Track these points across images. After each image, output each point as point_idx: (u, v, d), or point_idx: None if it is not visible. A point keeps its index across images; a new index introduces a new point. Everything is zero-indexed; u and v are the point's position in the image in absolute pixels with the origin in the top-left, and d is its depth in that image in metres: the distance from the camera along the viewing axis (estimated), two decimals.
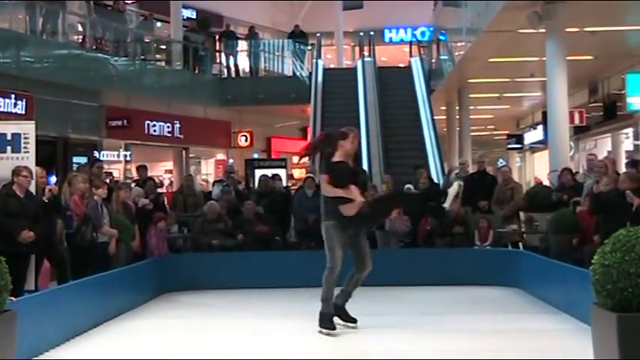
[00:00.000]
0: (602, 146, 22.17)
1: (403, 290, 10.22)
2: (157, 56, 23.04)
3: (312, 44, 24.48)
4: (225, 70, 24.53)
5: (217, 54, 24.66)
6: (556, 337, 7.47)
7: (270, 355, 7.01)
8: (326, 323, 7.77)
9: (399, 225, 12.19)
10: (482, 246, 11.88)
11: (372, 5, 30.41)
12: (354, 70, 23.25)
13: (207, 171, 25.73)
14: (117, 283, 9.15)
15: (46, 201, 8.99)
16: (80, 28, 19.75)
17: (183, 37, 23.22)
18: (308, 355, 6.92)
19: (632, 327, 4.67)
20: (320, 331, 7.71)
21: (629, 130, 20.30)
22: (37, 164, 9.25)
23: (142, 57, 21.35)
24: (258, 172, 18.50)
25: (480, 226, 12.03)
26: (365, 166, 17.21)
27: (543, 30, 14.66)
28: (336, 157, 7.86)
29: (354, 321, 7.99)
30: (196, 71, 23.34)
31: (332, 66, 28.39)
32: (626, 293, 4.74)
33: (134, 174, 17.99)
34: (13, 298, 5.73)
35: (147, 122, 20.73)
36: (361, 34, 27.13)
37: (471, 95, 23.71)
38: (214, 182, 17.21)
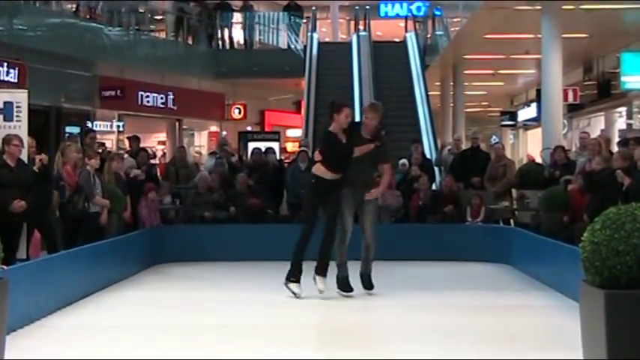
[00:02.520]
0: (596, 125, 22.18)
1: (394, 265, 10.25)
2: (152, 27, 22.91)
3: (307, 17, 24.37)
4: (220, 42, 24.43)
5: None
6: (545, 314, 7.53)
7: (261, 326, 7.04)
8: (342, 286, 8.31)
9: (391, 200, 12.19)
10: (474, 222, 11.91)
11: None
12: (349, 44, 23.15)
13: (201, 143, 25.70)
14: (108, 253, 9.17)
15: (37, 171, 8.97)
16: None
17: (178, 8, 23.07)
18: (298, 328, 6.97)
19: (620, 304, 4.70)
20: (339, 293, 8.25)
21: (623, 109, 20.30)
22: (29, 134, 9.21)
23: (136, 27, 21.23)
24: (252, 145, 18.49)
25: (472, 203, 12.06)
26: None
27: (539, 7, 14.61)
28: (333, 129, 8.19)
29: (372, 288, 8.46)
30: (190, 42, 23.26)
31: (327, 40, 28.25)
32: (615, 270, 4.76)
33: (127, 145, 17.97)
34: (4, 266, 5.74)
35: (140, 93, 20.65)
36: (357, 8, 27.00)
37: (466, 71, 23.63)
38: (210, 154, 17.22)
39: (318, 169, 8.23)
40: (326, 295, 8.23)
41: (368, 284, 8.45)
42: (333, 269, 8.39)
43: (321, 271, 8.22)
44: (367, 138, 8.35)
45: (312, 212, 8.40)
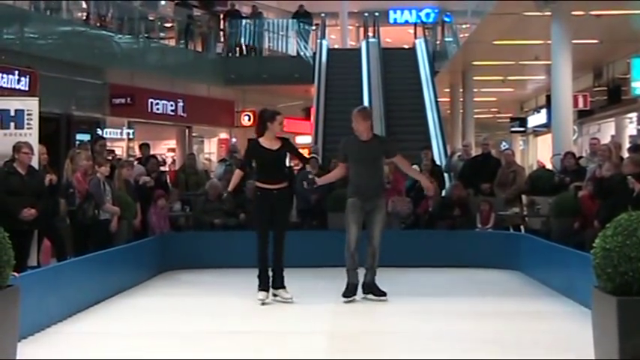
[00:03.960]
0: (606, 130, 22.15)
1: (404, 271, 10.24)
2: (161, 34, 23.01)
3: (317, 24, 24.42)
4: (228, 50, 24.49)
5: (221, 33, 24.62)
6: (556, 320, 7.49)
7: (271, 333, 7.04)
8: (345, 292, 8.31)
9: (401, 206, 12.18)
10: (484, 228, 11.87)
11: None
12: (359, 50, 23.19)
13: (210, 150, 25.74)
14: (118, 260, 9.18)
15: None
16: (84, 5, 19.69)
17: (187, 15, 23.16)
18: (308, 334, 6.97)
19: (632, 310, 4.69)
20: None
21: (633, 115, 20.28)
22: (40, 141, 9.25)
23: (146, 35, 21.31)
24: None
25: (482, 209, 12.01)
26: None
27: (549, 13, 14.61)
28: (263, 142, 8.44)
29: (384, 294, 8.39)
30: (200, 50, 23.32)
31: (336, 46, 28.29)
32: (627, 277, 4.75)
33: (137, 152, 18.02)
34: (15, 273, 5.76)
35: (150, 100, 20.73)
36: (366, 14, 27.04)
37: (475, 78, 23.66)
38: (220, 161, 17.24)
39: (259, 181, 8.42)
40: (336, 303, 8.23)
41: (378, 292, 8.42)
42: (343, 276, 8.42)
43: (280, 284, 8.41)
44: (364, 141, 8.35)
45: (260, 225, 8.44)
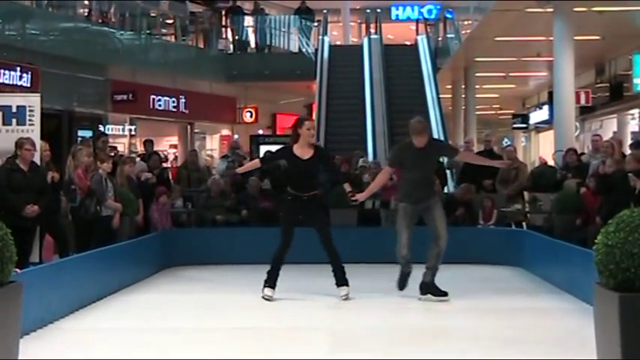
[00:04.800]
0: (608, 127, 22.11)
1: None
2: (163, 31, 23.00)
3: (319, 20, 24.40)
4: (231, 46, 24.48)
5: (223, 29, 24.61)
6: (558, 316, 7.50)
7: (273, 329, 7.05)
8: (397, 282, 8.35)
9: None
10: (486, 225, 11.87)
11: None
12: (361, 47, 23.17)
13: (212, 146, 25.72)
14: (120, 256, 9.18)
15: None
16: (86, 2, 19.69)
17: (189, 12, 23.15)
18: (308, 332, 6.98)
19: (635, 307, 4.68)
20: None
21: (635, 111, 20.24)
22: (42, 137, 9.25)
23: (148, 31, 21.30)
24: (263, 148, 18.49)
25: (484, 206, 12.01)
26: (370, 145, 17.20)
27: (551, 9, 14.59)
28: (296, 149, 8.30)
29: (445, 294, 8.18)
30: (202, 46, 23.31)
31: (338, 43, 28.25)
32: (629, 273, 4.74)
33: (139, 148, 18.02)
34: (18, 270, 5.76)
35: (152, 97, 20.71)
36: (368, 11, 27.00)
37: (477, 74, 23.64)
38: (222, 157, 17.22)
39: (290, 188, 8.38)
40: (338, 299, 8.23)
41: (438, 292, 8.21)
42: (354, 273, 8.41)
43: (343, 282, 8.29)
44: (421, 148, 8.19)
45: (286, 229, 8.39)
